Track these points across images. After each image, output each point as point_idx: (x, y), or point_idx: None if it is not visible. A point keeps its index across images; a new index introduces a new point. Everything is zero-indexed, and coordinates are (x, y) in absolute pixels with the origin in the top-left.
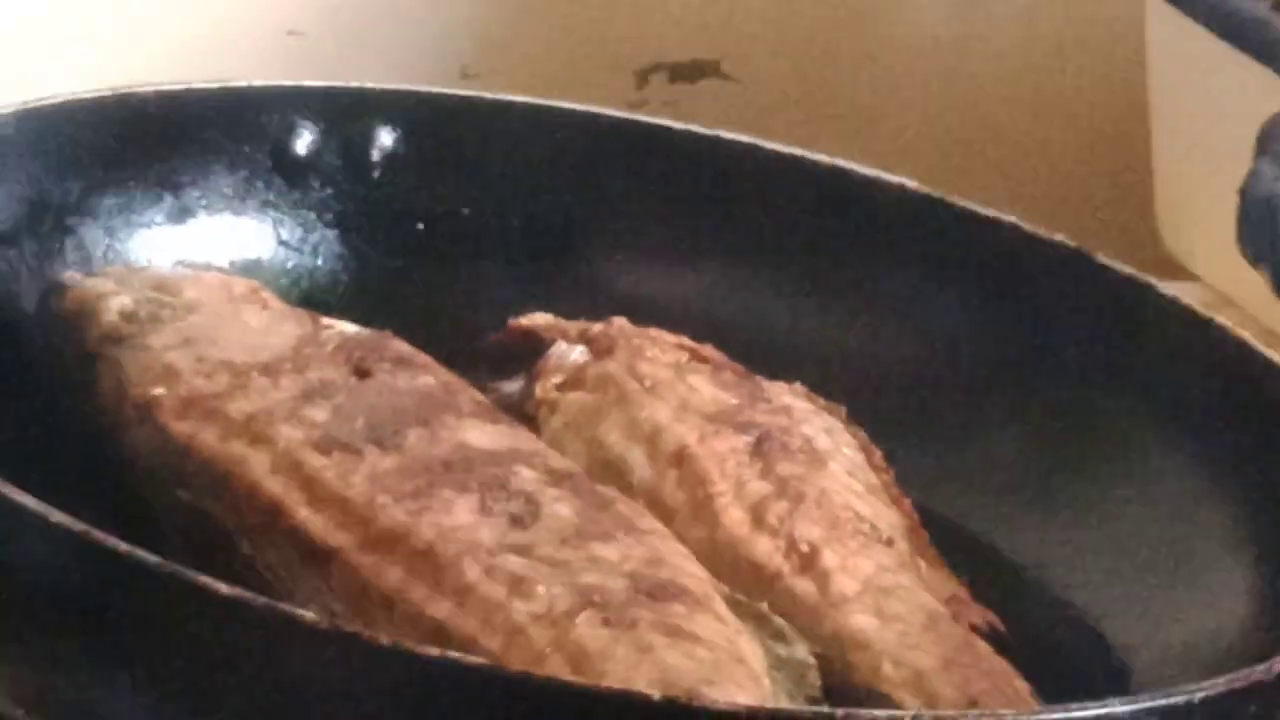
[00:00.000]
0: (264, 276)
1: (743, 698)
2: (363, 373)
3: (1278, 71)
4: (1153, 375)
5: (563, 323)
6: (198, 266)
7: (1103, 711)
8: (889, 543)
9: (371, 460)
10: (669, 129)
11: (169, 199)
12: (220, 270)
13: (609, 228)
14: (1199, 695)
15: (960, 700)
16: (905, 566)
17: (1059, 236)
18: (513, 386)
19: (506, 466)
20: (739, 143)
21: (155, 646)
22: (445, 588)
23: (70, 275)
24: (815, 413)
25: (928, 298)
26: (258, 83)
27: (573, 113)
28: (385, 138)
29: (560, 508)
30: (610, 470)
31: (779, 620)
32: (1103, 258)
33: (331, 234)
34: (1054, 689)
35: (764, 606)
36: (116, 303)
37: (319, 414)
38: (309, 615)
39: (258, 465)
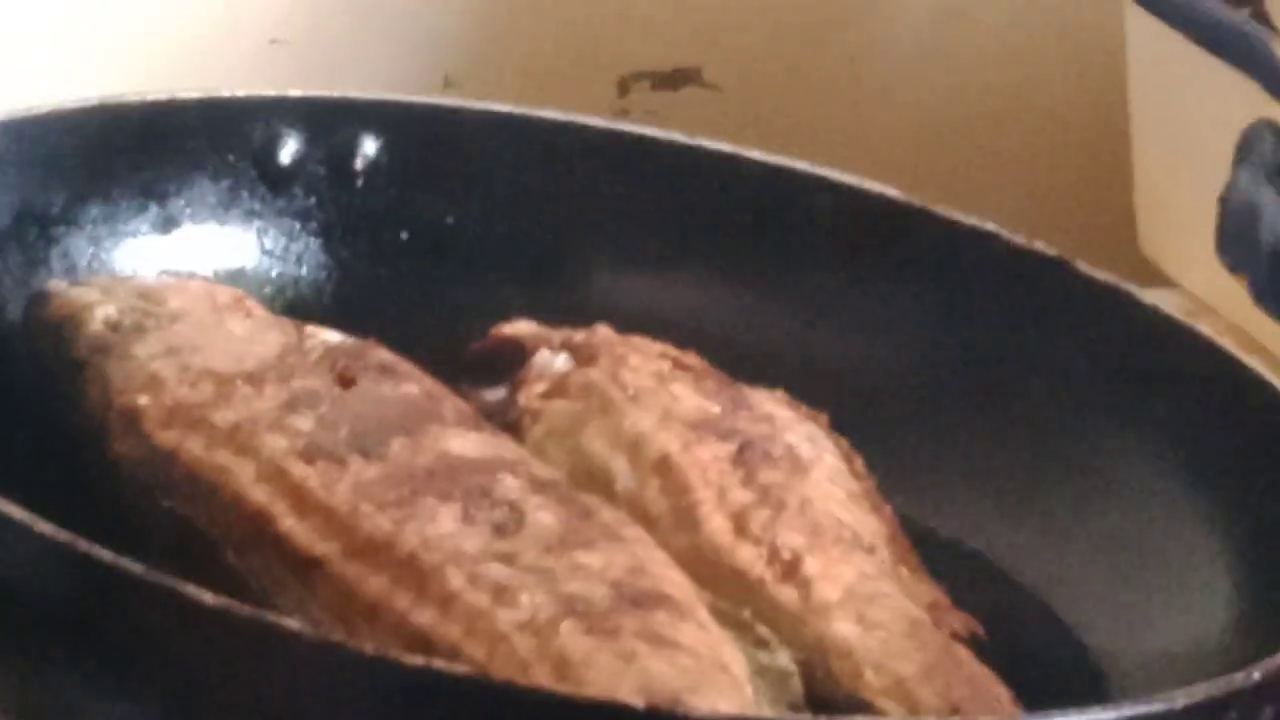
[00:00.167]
0: (248, 285)
1: (725, 705)
2: (347, 381)
3: (1257, 80)
4: (1133, 383)
5: (546, 331)
6: (182, 275)
7: (1083, 718)
8: (871, 550)
9: (355, 469)
10: (651, 137)
11: (154, 208)
12: (205, 279)
13: (592, 236)
14: (1179, 702)
15: (942, 707)
16: (887, 574)
17: (1039, 244)
18: (496, 395)
19: (490, 475)
20: (721, 151)
21: (141, 656)
22: (429, 596)
23: (55, 284)
24: (797, 420)
25: (909, 305)
26: (241, 92)
27: (555, 121)
28: (369, 146)
29: (543, 516)
30: (593, 478)
31: (761, 628)
32: (1083, 265)
33: (315, 243)
34: (1035, 696)
35: (746, 614)
36: (101, 312)
37: (303, 423)
38: (294, 624)
39: (242, 474)
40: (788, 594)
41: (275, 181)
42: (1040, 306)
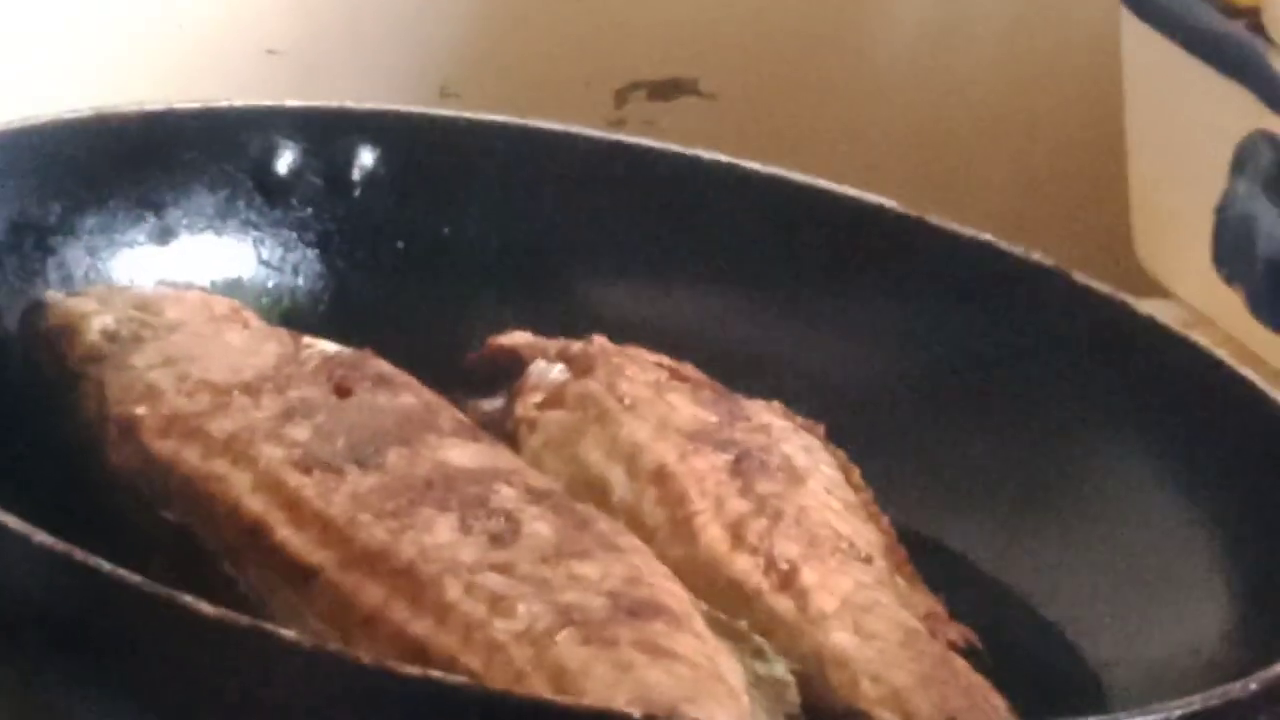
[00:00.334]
0: (245, 296)
1: (722, 715)
2: (343, 392)
3: (1253, 90)
4: (1129, 393)
5: (542, 341)
6: (179, 286)
7: None
8: (867, 560)
9: (352, 479)
10: (647, 147)
11: (150, 219)
12: (201, 290)
13: (588, 246)
14: (1176, 712)
15: (938, 717)
16: (883, 584)
17: (1035, 254)
18: (493, 405)
19: (487, 485)
20: (717, 161)
21: (138, 666)
22: (426, 606)
23: (52, 294)
24: (794, 431)
25: (905, 316)
26: (238, 102)
27: (552, 132)
28: (366, 157)
29: (540, 526)
30: (590, 488)
31: (758, 638)
32: (1079, 276)
33: (312, 253)
34: (1031, 706)
35: (743, 624)
36: (98, 322)
37: (300, 433)
38: (291, 634)
39: (239, 484)
40: (785, 604)
41: (272, 192)
42: (1037, 317)
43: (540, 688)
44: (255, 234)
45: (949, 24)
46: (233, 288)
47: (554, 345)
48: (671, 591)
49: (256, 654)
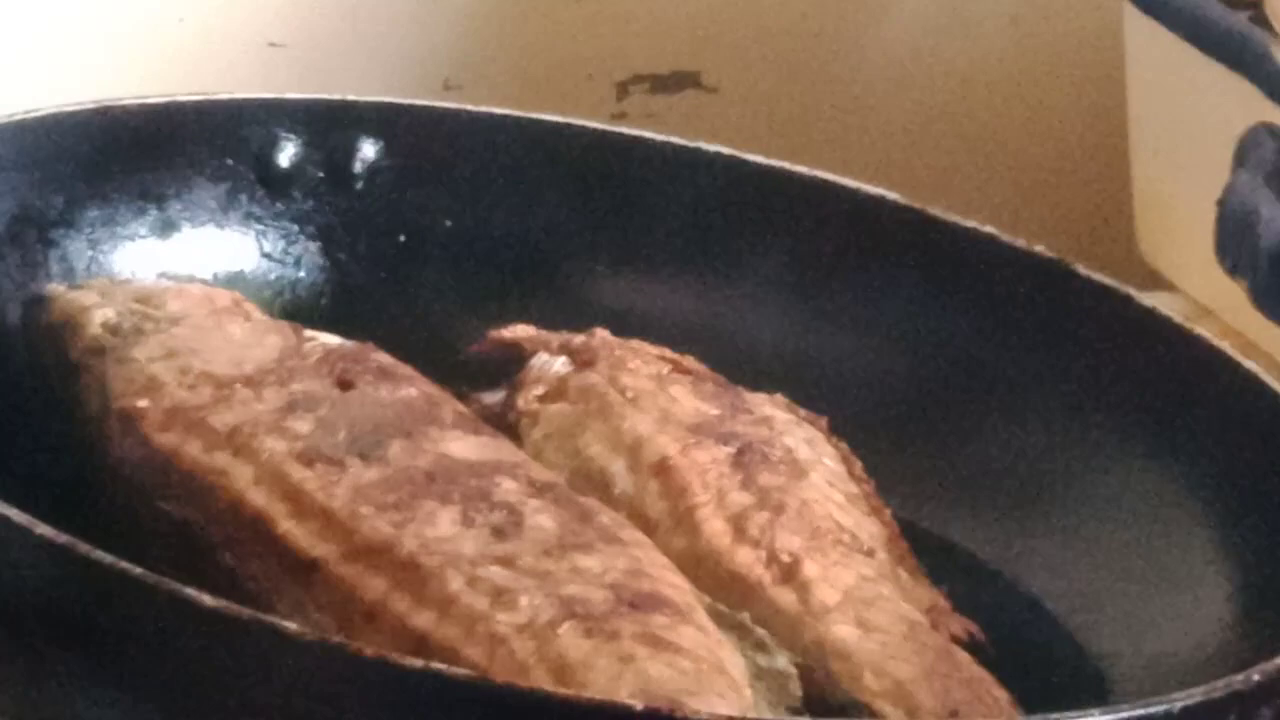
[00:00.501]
0: (247, 289)
1: (724, 708)
2: (345, 384)
3: (1256, 83)
4: (1132, 385)
5: (544, 334)
6: (181, 279)
7: None
8: (870, 553)
9: (354, 472)
10: (649, 140)
11: (152, 212)
12: (203, 282)
13: (590, 239)
14: (1178, 704)
15: (940, 710)
16: (886, 577)
17: (1038, 247)
18: (494, 398)
19: (489, 478)
20: (719, 154)
21: (140, 658)
22: (428, 599)
23: (54, 288)
24: (796, 424)
25: (908, 309)
26: (240, 95)
27: (554, 124)
28: (368, 150)
29: (542, 519)
30: (592, 481)
31: (760, 630)
32: (1082, 268)
33: (314, 246)
34: (1034, 698)
35: (745, 617)
36: (100, 315)
37: (302, 426)
38: (293, 626)
39: (241, 477)
40: (787, 597)
41: (274, 185)
42: (1040, 310)
43: (542, 680)
44: (257, 227)
45: (951, 17)
46: (234, 281)
47: (556, 338)
48: (673, 584)
49: (258, 646)
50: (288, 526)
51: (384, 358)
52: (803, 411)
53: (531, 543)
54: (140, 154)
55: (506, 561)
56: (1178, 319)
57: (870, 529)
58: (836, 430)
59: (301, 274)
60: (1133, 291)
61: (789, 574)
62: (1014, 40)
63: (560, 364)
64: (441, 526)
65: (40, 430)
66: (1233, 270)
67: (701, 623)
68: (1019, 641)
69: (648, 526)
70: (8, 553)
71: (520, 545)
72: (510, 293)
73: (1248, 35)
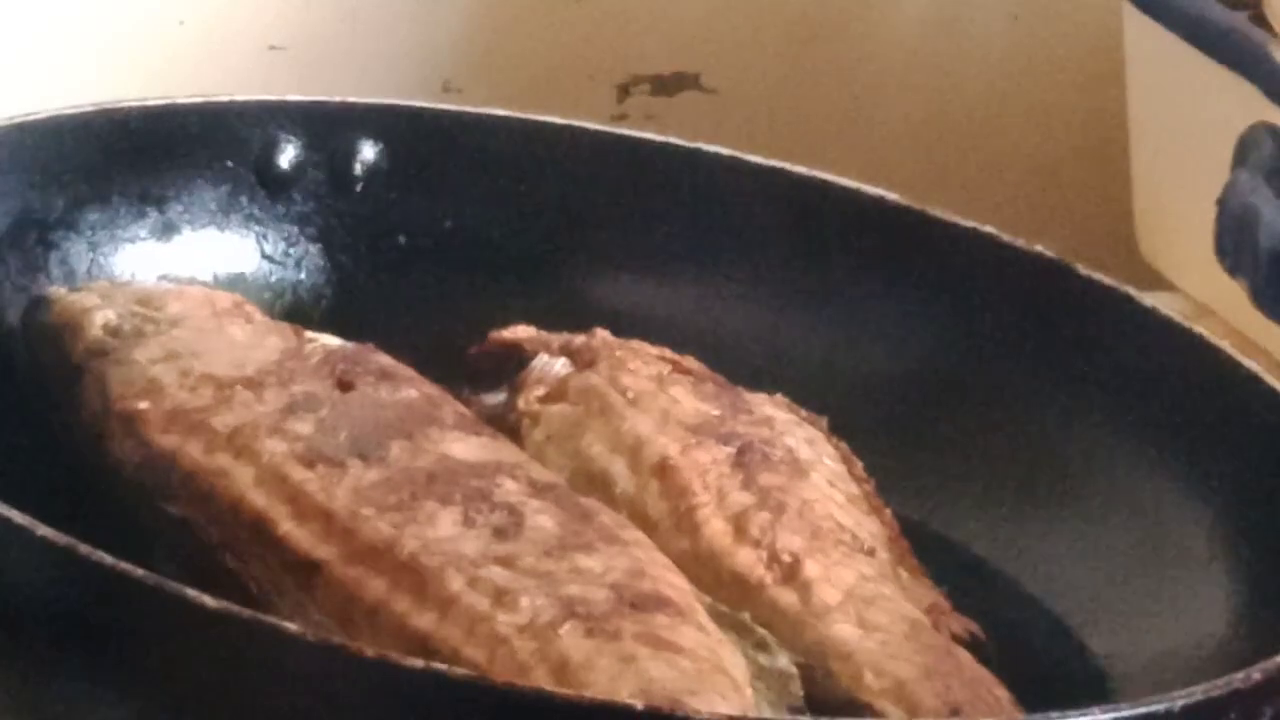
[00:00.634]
0: (248, 290)
1: (725, 708)
2: (346, 386)
3: (1255, 83)
4: (1132, 385)
5: (545, 335)
6: (182, 281)
7: (1083, 719)
8: (870, 553)
9: (355, 473)
10: (650, 142)
11: (153, 214)
12: (204, 284)
13: (590, 240)
14: (1179, 703)
15: (941, 709)
16: (886, 576)
17: (1038, 247)
18: (495, 399)
19: (489, 479)
20: (719, 155)
21: (142, 659)
22: (429, 600)
23: (54, 290)
24: (797, 424)
25: (908, 309)
26: (240, 98)
27: (554, 126)
28: (368, 152)
29: (543, 519)
30: (593, 482)
31: (761, 630)
32: (1082, 268)
33: (315, 248)
34: (1034, 697)
35: (746, 617)
36: (101, 317)
37: (303, 427)
38: (294, 627)
39: (242, 478)
40: (788, 596)
41: (274, 187)
42: (1040, 309)
43: (543, 680)
44: (257, 229)
45: (950, 17)
46: (235, 282)
47: (556, 339)
48: (674, 584)
49: (260, 647)
50: (288, 528)
51: (384, 359)
52: (803, 411)
53: (532, 543)
54: (141, 156)
55: (507, 562)
56: (1178, 318)
57: (871, 529)
58: (837, 430)
59: (302, 276)
60: (1132, 291)
61: (790, 574)
62: (1013, 42)
63: (561, 365)
64: (442, 527)
65: (41, 432)
66: (1232, 270)
67: (702, 623)
68: (1020, 641)
69: (648, 527)
70: (8, 554)
71: (521, 546)
72: (510, 294)
73: (1247, 35)
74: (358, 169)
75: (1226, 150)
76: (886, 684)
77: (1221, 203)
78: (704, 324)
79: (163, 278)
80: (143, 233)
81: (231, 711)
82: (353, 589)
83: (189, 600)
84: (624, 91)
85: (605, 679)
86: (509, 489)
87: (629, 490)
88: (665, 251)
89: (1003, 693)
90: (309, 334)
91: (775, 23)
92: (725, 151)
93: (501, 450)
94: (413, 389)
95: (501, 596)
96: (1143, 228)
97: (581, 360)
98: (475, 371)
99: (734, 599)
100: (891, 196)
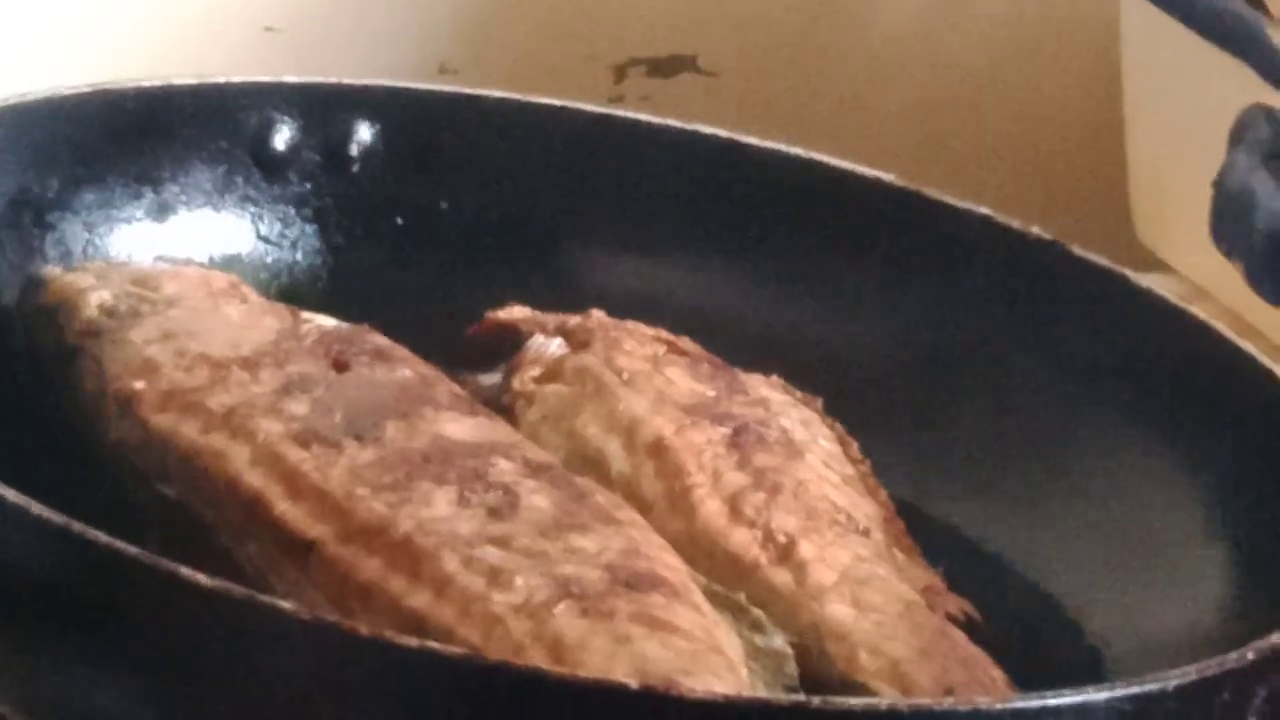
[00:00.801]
0: (243, 271)
1: (720, 687)
2: (341, 366)
3: (1251, 64)
4: (1128, 366)
5: (540, 315)
6: (177, 261)
7: (1078, 699)
8: (865, 533)
9: (350, 453)
10: (647, 123)
11: (148, 194)
12: (200, 265)
13: (586, 222)
14: (1173, 683)
15: (936, 689)
16: (881, 557)
17: (1034, 228)
18: (491, 379)
19: (484, 459)
20: (716, 137)
21: (136, 638)
22: (424, 579)
23: (50, 270)
24: (792, 404)
25: (904, 290)
26: (236, 78)
27: (551, 108)
28: (364, 133)
29: (538, 499)
30: (588, 462)
31: (756, 610)
32: (1078, 249)
33: (310, 229)
34: (1030, 677)
35: (741, 597)
36: (96, 297)
37: (298, 407)
38: (289, 606)
39: (237, 458)
40: (783, 577)
41: (270, 168)
42: (1035, 291)
43: (538, 660)
44: (253, 210)
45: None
46: (231, 263)
47: (551, 320)
48: (669, 564)
49: (255, 626)
50: (284, 507)
51: (380, 339)
52: (798, 392)
53: (527, 523)
54: (137, 137)
55: (502, 542)
56: (1173, 300)
57: (866, 509)
58: (832, 411)
59: (298, 256)
60: (1128, 272)
61: (785, 554)
62: (1010, 23)
63: (556, 345)
64: (437, 507)
65: (36, 412)
66: (1228, 251)
67: (697, 603)
68: (1014, 621)
69: (644, 507)
70: (4, 534)
71: (516, 525)
72: (506, 275)
73: (1243, 17)
74: (354, 150)
75: (1222, 132)
76: (881, 664)
77: (1217, 185)
78: (700, 305)
79: (159, 258)
80: (138, 213)
81: (226, 690)
82: (348, 569)
83: (184, 579)
84: (621, 73)
85: (600, 659)
86: (504, 469)
87: (624, 470)
88: (661, 233)
89: (997, 673)
90: (304, 314)
91: (773, 5)
92: (722, 133)
93: (496, 430)
94: (408, 369)
95: (496, 576)
96: (1139, 209)
97: (577, 341)
98: (470, 352)
99: (729, 579)
100: (888, 178)
